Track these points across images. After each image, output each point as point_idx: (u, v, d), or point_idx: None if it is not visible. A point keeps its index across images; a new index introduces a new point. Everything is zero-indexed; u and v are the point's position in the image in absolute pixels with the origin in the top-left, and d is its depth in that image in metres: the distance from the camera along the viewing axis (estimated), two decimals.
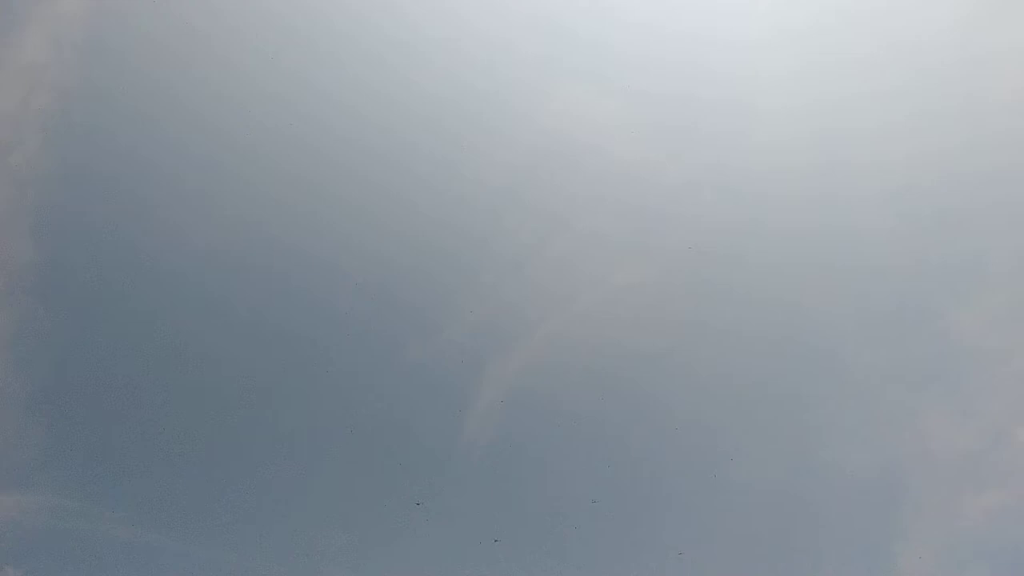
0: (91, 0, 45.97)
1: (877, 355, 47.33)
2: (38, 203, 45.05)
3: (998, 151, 48.66)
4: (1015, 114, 49.74)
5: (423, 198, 50.25)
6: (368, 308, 48.95)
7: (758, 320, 48.17)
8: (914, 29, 50.56)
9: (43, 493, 43.62)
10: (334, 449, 48.11)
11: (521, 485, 48.52)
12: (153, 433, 46.53)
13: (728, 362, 47.75)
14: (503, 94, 51.94)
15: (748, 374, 47.43)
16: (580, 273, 50.76)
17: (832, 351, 47.62)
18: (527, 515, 46.97)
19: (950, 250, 48.09)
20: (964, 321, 46.80)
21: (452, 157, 51.37)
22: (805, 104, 51.44)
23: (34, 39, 43.84)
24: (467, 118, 50.95)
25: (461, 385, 50.32)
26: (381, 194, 49.71)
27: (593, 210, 51.36)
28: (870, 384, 46.63)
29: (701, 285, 49.37)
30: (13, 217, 44.45)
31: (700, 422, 47.43)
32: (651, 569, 43.63)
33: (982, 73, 50.72)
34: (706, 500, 46.68)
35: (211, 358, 47.28)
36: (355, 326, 48.96)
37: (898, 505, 43.80)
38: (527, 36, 52.80)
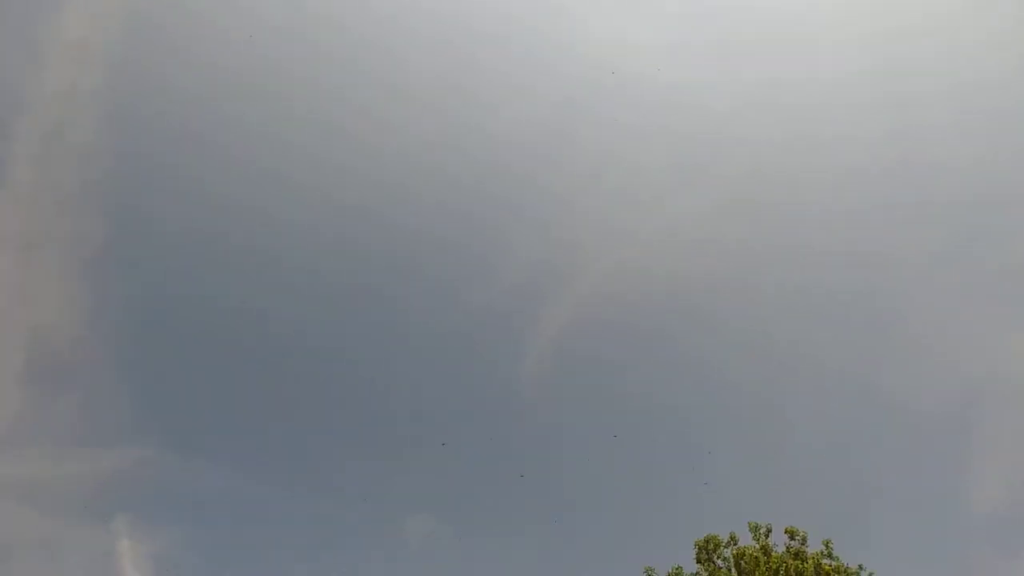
0: None
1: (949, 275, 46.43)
2: (105, 176, 46.57)
3: None
4: None
5: (470, 142, 50.03)
6: (429, 255, 49.92)
7: (823, 238, 47.50)
8: None
9: (146, 446, 47.04)
10: (404, 401, 50.35)
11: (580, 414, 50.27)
12: (244, 389, 49.27)
13: (794, 281, 47.58)
14: (542, 26, 50.60)
15: (815, 293, 47.29)
16: (633, 205, 50.55)
17: (900, 270, 46.95)
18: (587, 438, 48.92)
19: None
20: None
21: (494, 97, 50.82)
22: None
23: (78, 17, 44.11)
24: (507, 53, 49.90)
25: (522, 324, 51.52)
26: (429, 143, 49.69)
27: (642, 139, 50.53)
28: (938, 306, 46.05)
29: (759, 208, 48.81)
30: (83, 191, 46.18)
31: (767, 345, 47.82)
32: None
33: None
34: (770, 426, 47.65)
35: (292, 318, 49.35)
36: (418, 275, 50.14)
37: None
38: None
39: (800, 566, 18.87)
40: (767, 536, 20.28)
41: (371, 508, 51.69)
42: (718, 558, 20.55)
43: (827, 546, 19.75)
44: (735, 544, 20.60)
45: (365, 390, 51.61)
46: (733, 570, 20.00)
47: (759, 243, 47.23)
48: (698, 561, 20.68)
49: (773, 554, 19.52)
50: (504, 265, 51.43)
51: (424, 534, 47.33)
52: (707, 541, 20.80)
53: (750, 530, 20.42)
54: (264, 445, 50.60)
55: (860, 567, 19.02)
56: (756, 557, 19.47)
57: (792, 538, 20.02)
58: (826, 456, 46.73)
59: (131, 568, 37.73)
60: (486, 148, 49.30)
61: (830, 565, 19.15)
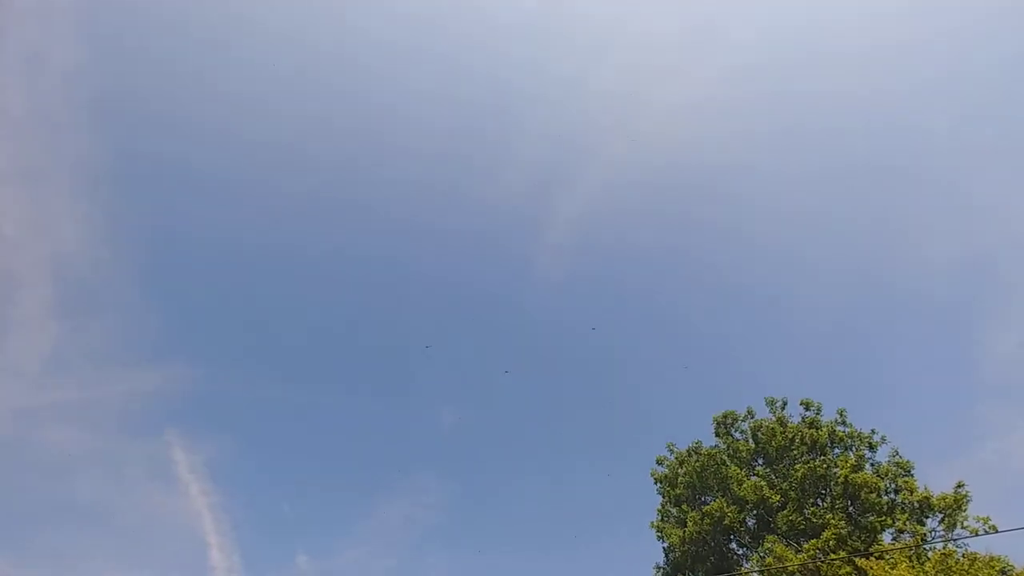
0: None
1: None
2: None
3: None
4: None
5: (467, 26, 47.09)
6: (429, 154, 48.77)
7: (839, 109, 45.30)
8: None
9: (182, 361, 49.14)
10: (424, 303, 51.20)
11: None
12: (266, 297, 50.34)
13: (812, 154, 46.12)
14: None
15: (832, 165, 45.94)
16: (627, 98, 48.23)
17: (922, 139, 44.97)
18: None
19: None
20: None
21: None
22: None
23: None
24: None
25: (529, 221, 51.15)
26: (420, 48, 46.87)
27: (632, 35, 47.20)
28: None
29: (749, 102, 46.37)
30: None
31: (774, 227, 47.24)
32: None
33: None
34: (786, 301, 48.06)
35: (306, 229, 49.33)
36: (419, 174, 49.25)
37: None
38: None
39: (815, 434, 19.72)
40: (783, 408, 21.05)
41: (402, 401, 54.57)
42: (736, 431, 21.50)
43: (841, 415, 20.44)
44: (752, 417, 21.46)
45: (386, 294, 52.73)
46: (751, 441, 20.98)
47: (772, 113, 45.43)
48: (717, 435, 21.65)
49: (789, 425, 20.35)
50: (511, 159, 50.31)
51: (452, 423, 50.31)
52: (725, 416, 21.67)
53: (766, 404, 21.19)
54: (294, 350, 52.72)
55: (872, 431, 19.77)
56: (772, 428, 20.35)
57: (807, 409, 20.71)
58: (838, 331, 47.69)
59: (187, 473, 40.82)
60: (483, 31, 46.43)
61: (844, 432, 19.96)
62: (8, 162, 44.31)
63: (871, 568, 14.96)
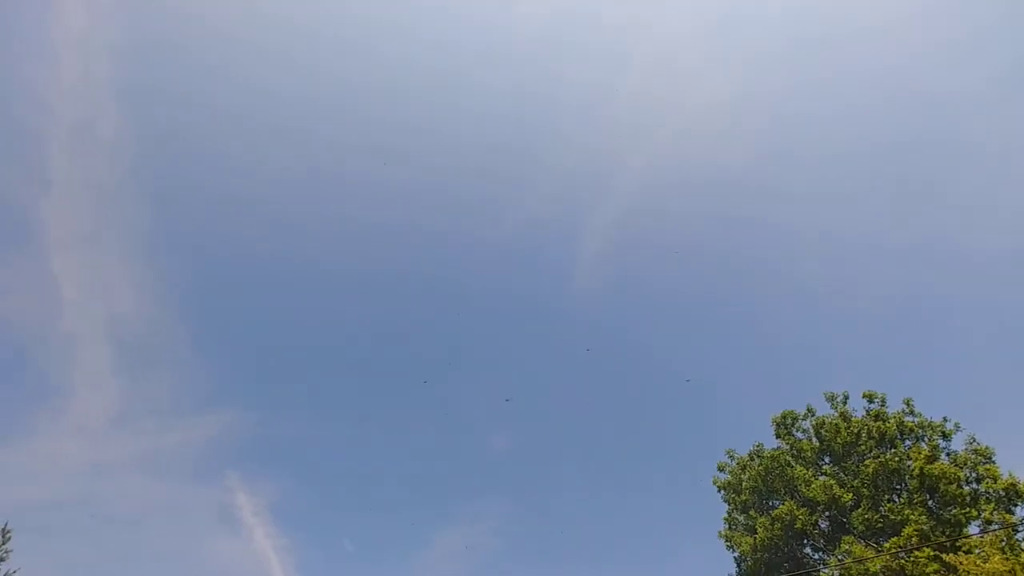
0: None
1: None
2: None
3: None
4: None
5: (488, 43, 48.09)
6: (460, 170, 49.58)
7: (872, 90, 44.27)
8: None
9: (237, 408, 50.47)
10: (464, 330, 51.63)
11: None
12: (310, 341, 51.56)
13: (847, 144, 45.05)
14: None
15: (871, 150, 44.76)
16: (653, 100, 48.20)
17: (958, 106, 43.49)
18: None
19: None
20: None
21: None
22: None
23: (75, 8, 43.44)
24: None
25: (564, 231, 51.24)
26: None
27: (650, 38, 47.42)
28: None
29: (775, 92, 45.77)
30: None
31: (815, 214, 46.08)
32: None
33: None
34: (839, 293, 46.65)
35: (341, 263, 50.55)
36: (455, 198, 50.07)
37: None
38: None
39: (882, 427, 18.92)
40: (845, 403, 20.30)
41: (451, 427, 54.66)
42: (797, 431, 20.80)
43: (908, 404, 19.56)
44: (813, 415, 20.73)
45: (426, 315, 53.34)
46: (814, 440, 20.26)
47: (799, 100, 44.66)
48: (777, 436, 20.96)
49: (853, 419, 19.60)
50: (542, 170, 50.72)
51: (503, 448, 50.08)
52: (784, 416, 20.99)
53: (827, 400, 20.45)
54: (341, 387, 53.62)
55: (944, 419, 18.86)
56: (836, 424, 19.62)
57: (871, 401, 19.90)
58: (896, 316, 45.86)
59: (251, 517, 41.68)
60: (501, 46, 47.33)
61: (913, 422, 19.09)
62: (64, 229, 47.04)
63: (961, 563, 14.15)
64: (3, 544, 17.23)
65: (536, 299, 54.30)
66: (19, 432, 42.94)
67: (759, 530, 18.84)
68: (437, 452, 53.16)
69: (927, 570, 14.88)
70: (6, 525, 17.41)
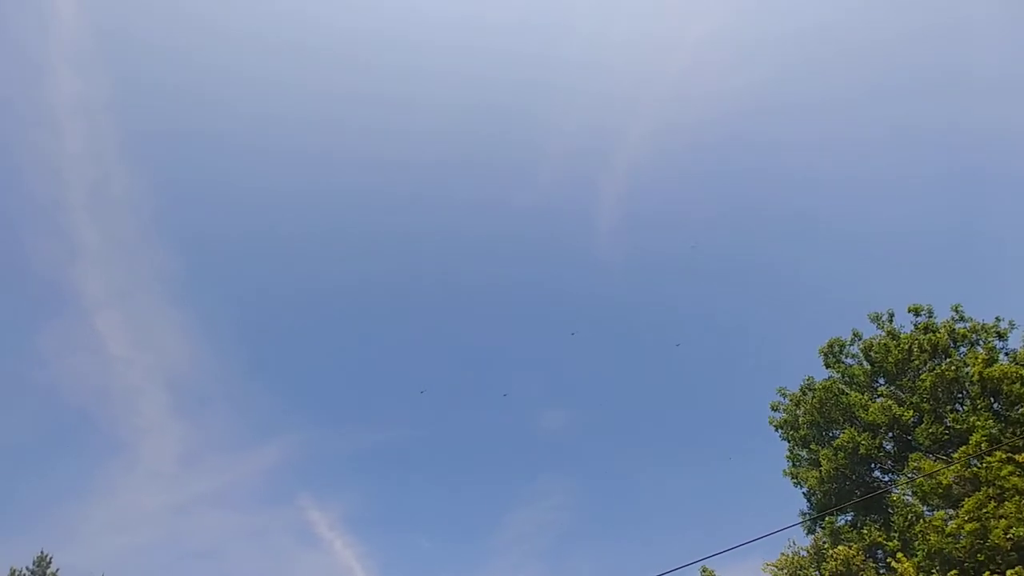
0: None
1: None
2: None
3: None
4: None
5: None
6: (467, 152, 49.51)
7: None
8: None
9: (294, 430, 51.95)
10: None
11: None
12: (355, 351, 52.65)
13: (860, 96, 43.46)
14: None
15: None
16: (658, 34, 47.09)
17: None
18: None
19: None
20: None
21: None
22: None
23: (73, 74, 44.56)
24: None
25: (577, 212, 50.93)
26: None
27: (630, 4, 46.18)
28: None
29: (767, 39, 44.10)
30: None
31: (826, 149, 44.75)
32: None
33: None
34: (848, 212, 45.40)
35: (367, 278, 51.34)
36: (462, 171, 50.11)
37: None
38: None
39: (933, 338, 18.45)
40: (890, 321, 19.87)
41: (506, 410, 55.33)
42: (846, 357, 20.45)
43: (956, 311, 19.06)
44: (859, 340, 20.33)
45: (462, 314, 53.87)
46: (864, 363, 19.90)
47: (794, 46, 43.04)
48: (827, 366, 20.65)
49: (902, 336, 19.17)
50: (545, 154, 50.37)
51: (556, 426, 50.54)
52: (830, 345, 20.65)
53: (871, 320, 20.05)
54: (393, 395, 54.72)
55: (997, 319, 18.29)
56: (884, 344, 19.22)
57: (917, 315, 19.43)
58: (929, 227, 44.40)
59: (328, 531, 43.07)
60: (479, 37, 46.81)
61: (964, 328, 18.58)
62: (99, 288, 48.77)
63: None
64: None
65: (558, 284, 54.16)
66: (98, 487, 45.09)
67: (823, 462, 18.65)
68: (496, 437, 53.96)
69: (1002, 473, 14.56)
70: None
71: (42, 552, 24.88)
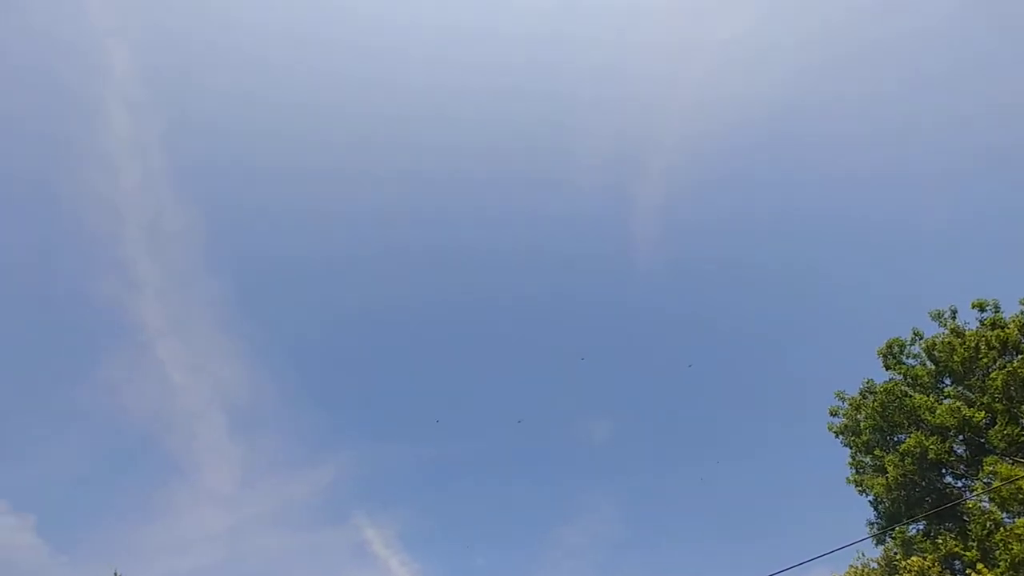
0: None
1: None
2: None
3: None
4: None
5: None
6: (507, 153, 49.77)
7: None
8: None
9: (347, 448, 52.83)
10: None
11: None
12: (406, 365, 53.37)
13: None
14: None
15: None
16: (682, 37, 46.67)
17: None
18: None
19: None
20: None
21: None
22: None
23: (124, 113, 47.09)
24: None
25: (612, 221, 50.56)
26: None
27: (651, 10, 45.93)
28: None
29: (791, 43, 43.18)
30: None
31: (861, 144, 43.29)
32: None
33: None
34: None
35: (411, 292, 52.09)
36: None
37: None
38: None
39: (1001, 334, 17.51)
40: (954, 318, 18.97)
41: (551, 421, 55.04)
42: (907, 357, 19.60)
43: None
44: (920, 339, 19.47)
45: (503, 332, 54.04)
46: (928, 363, 19.02)
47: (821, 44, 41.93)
48: (887, 368, 19.81)
49: (967, 333, 18.26)
50: (577, 166, 50.34)
51: (605, 435, 49.90)
52: (889, 346, 19.82)
53: (933, 318, 19.16)
54: (437, 410, 55.15)
55: None
56: (949, 342, 18.34)
57: (982, 311, 18.46)
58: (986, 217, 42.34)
59: (384, 549, 43.47)
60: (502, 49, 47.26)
61: None
62: (158, 319, 50.83)
63: None
64: None
65: (597, 295, 53.75)
66: (161, 509, 46.72)
67: (889, 468, 17.85)
68: (543, 451, 53.61)
69: None
70: None
71: (116, 573, 25.86)
